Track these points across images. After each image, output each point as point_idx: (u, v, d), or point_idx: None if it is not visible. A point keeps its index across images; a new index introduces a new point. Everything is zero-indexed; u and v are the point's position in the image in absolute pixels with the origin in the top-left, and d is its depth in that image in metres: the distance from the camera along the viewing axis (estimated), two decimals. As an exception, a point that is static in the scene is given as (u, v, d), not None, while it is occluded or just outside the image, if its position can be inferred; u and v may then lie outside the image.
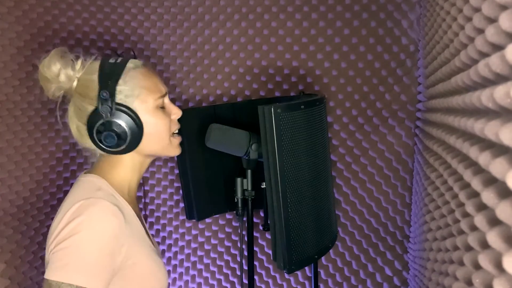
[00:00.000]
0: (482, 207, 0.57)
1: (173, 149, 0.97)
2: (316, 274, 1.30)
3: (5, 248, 1.14)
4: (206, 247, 1.56)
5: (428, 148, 1.10)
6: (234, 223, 1.53)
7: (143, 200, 1.57)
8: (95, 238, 0.77)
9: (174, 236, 1.57)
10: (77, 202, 0.80)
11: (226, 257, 1.55)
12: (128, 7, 1.48)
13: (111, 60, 0.90)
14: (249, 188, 1.21)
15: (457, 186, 0.73)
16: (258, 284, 1.53)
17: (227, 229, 1.54)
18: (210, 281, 1.57)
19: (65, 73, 0.88)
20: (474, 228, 0.60)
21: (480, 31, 0.59)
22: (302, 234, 0.99)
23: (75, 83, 0.89)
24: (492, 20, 0.54)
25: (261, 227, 1.46)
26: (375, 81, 1.36)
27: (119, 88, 0.86)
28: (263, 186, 1.15)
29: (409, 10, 1.31)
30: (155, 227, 1.57)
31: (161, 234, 1.57)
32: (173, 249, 1.58)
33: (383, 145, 1.37)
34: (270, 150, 0.92)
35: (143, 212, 1.55)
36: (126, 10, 1.48)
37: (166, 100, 0.96)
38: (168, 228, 1.57)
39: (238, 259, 1.53)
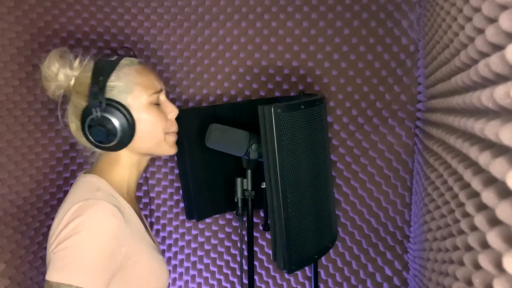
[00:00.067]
0: (482, 207, 0.57)
1: (168, 148, 0.96)
2: (316, 274, 1.30)
3: (5, 248, 1.14)
4: (206, 247, 1.56)
5: (428, 148, 1.10)
6: (234, 223, 1.53)
7: (143, 200, 1.57)
8: (95, 238, 0.77)
9: (174, 236, 1.57)
10: (77, 202, 0.80)
11: (226, 257, 1.55)
12: (128, 7, 1.48)
13: (107, 58, 0.91)
14: (249, 188, 1.21)
15: (457, 186, 0.73)
16: (258, 284, 1.53)
17: (227, 229, 1.54)
18: (210, 281, 1.57)
19: (63, 73, 0.89)
20: (474, 228, 0.60)
21: (480, 31, 0.59)
22: (302, 234, 0.99)
23: (72, 82, 0.90)
24: (492, 20, 0.54)
25: (261, 227, 1.46)
26: (375, 81, 1.36)
27: (112, 84, 0.87)
28: (263, 186, 1.15)
29: (409, 10, 1.31)
30: (155, 227, 1.57)
31: (161, 234, 1.57)
32: (173, 249, 1.58)
33: (383, 145, 1.37)
34: (270, 150, 0.92)
35: (143, 212, 1.55)
36: (126, 10, 1.48)
37: (162, 97, 0.96)
38: (168, 228, 1.57)
39: (238, 259, 1.53)
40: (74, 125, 0.92)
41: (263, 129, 0.93)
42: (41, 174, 1.37)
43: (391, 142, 1.37)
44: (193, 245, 1.57)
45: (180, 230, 1.56)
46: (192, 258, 1.57)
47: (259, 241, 1.51)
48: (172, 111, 0.96)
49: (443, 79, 0.92)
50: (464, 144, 0.67)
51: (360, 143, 1.39)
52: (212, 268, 1.56)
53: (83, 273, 0.75)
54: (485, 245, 0.53)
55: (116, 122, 0.86)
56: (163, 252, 1.58)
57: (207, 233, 1.55)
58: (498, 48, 0.52)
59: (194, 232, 1.56)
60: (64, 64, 0.89)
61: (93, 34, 1.49)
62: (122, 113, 0.87)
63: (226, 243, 1.54)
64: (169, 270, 1.59)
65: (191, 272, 1.58)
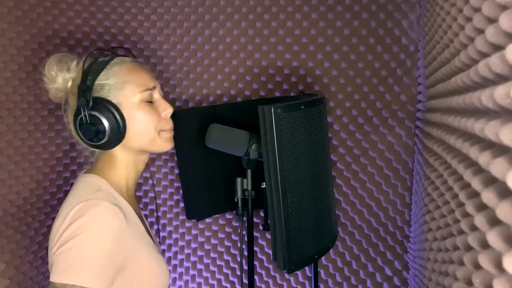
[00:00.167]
0: (482, 207, 0.57)
1: (163, 144, 0.96)
2: (316, 274, 1.30)
3: (5, 248, 1.14)
4: (206, 247, 1.56)
5: (428, 148, 1.10)
6: (234, 223, 1.53)
7: (143, 200, 1.57)
8: (97, 239, 0.77)
9: (174, 236, 1.57)
10: (78, 203, 0.80)
11: (226, 257, 1.55)
12: (128, 7, 1.48)
13: (100, 59, 0.93)
14: (249, 188, 1.21)
15: (457, 186, 0.73)
16: (258, 284, 1.53)
17: (227, 229, 1.54)
18: (210, 281, 1.57)
19: (62, 76, 0.92)
20: (474, 228, 0.60)
21: (480, 31, 0.59)
22: (302, 234, 0.99)
23: (69, 84, 0.92)
24: (492, 20, 0.54)
25: (261, 227, 1.46)
26: (375, 81, 1.36)
27: (101, 82, 0.89)
28: (263, 186, 1.15)
29: (409, 10, 1.31)
30: (155, 227, 1.57)
31: (161, 234, 1.57)
32: (173, 249, 1.58)
33: (383, 145, 1.37)
34: (270, 150, 0.92)
35: (143, 212, 1.55)
36: (126, 10, 1.48)
37: (156, 95, 0.96)
38: (168, 228, 1.57)
39: (238, 259, 1.53)
40: (72, 125, 0.93)
41: (263, 129, 0.93)
42: (41, 174, 1.37)
43: (391, 142, 1.37)
44: (193, 245, 1.57)
45: (180, 230, 1.56)
46: (192, 258, 1.57)
47: (259, 241, 1.51)
48: (166, 109, 0.96)
49: (443, 79, 0.92)
50: (464, 144, 0.67)
51: (360, 143, 1.39)
52: (212, 268, 1.56)
53: (87, 273, 0.75)
54: (485, 245, 0.53)
55: (104, 120, 0.87)
56: (163, 252, 1.58)
57: (207, 233, 1.55)
58: (498, 48, 0.52)
59: (194, 232, 1.56)
60: (62, 68, 0.92)
61: (93, 34, 1.49)
62: (110, 111, 0.88)
63: (226, 243, 1.54)
64: (169, 270, 1.59)
65: (191, 272, 1.58)
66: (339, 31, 1.37)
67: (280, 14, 1.40)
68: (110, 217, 0.80)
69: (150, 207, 1.58)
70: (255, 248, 1.50)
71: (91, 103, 0.87)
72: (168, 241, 1.58)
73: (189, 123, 1.30)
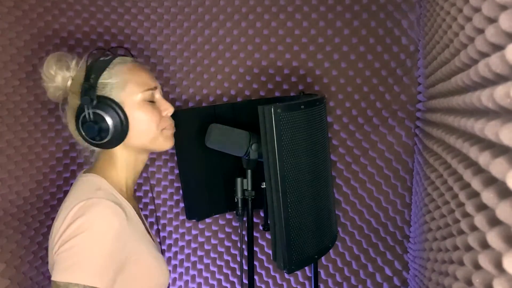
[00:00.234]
0: (482, 207, 0.57)
1: (164, 142, 0.97)
2: (316, 274, 1.30)
3: (5, 248, 1.14)
4: (206, 247, 1.56)
5: (428, 148, 1.10)
6: (234, 223, 1.53)
7: (143, 200, 1.57)
8: (98, 237, 0.77)
9: (174, 236, 1.57)
10: (79, 202, 0.80)
11: (226, 257, 1.55)
12: (128, 7, 1.48)
13: (101, 58, 0.93)
14: (249, 188, 1.21)
15: (457, 186, 0.73)
16: (258, 284, 1.53)
17: (227, 229, 1.54)
18: (210, 281, 1.57)
19: (61, 75, 0.92)
20: (474, 228, 0.60)
21: (480, 31, 0.59)
22: (302, 234, 0.99)
23: (69, 83, 0.92)
24: (492, 20, 0.54)
25: (261, 227, 1.46)
26: (375, 81, 1.36)
27: (104, 81, 0.89)
28: (263, 186, 1.15)
29: (409, 10, 1.31)
30: (155, 227, 1.57)
31: (161, 234, 1.57)
32: (173, 249, 1.58)
33: (383, 145, 1.37)
34: (270, 150, 0.92)
35: (143, 212, 1.55)
36: (126, 10, 1.48)
37: (157, 95, 0.97)
38: (168, 228, 1.57)
39: (238, 259, 1.53)
40: (72, 125, 0.94)
41: (263, 129, 0.93)
42: (41, 174, 1.37)
43: (391, 142, 1.37)
44: (193, 245, 1.57)
45: (180, 230, 1.56)
46: (192, 258, 1.57)
47: (259, 241, 1.51)
48: (167, 109, 0.97)
49: (443, 79, 0.92)
50: (464, 144, 0.67)
51: (360, 143, 1.39)
52: (212, 268, 1.56)
53: (90, 271, 0.75)
54: (485, 245, 0.53)
55: (108, 118, 0.87)
56: (163, 252, 1.58)
57: (207, 233, 1.55)
58: (498, 48, 0.52)
59: (194, 232, 1.56)
60: (61, 67, 0.91)
61: (93, 34, 1.49)
62: (114, 109, 0.88)
63: (226, 243, 1.54)
64: (169, 270, 1.59)
65: (191, 272, 1.58)
66: (339, 31, 1.37)
67: (280, 14, 1.40)
68: (111, 215, 0.80)
69: (150, 207, 1.58)
70: (255, 248, 1.50)
71: (95, 101, 0.87)
72: (168, 241, 1.58)
73: (189, 123, 1.30)
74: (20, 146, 1.27)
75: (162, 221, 1.57)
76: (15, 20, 1.28)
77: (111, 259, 0.78)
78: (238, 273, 1.54)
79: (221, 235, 1.54)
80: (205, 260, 1.56)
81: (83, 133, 0.89)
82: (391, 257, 1.40)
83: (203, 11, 1.45)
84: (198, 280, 1.58)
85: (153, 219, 1.57)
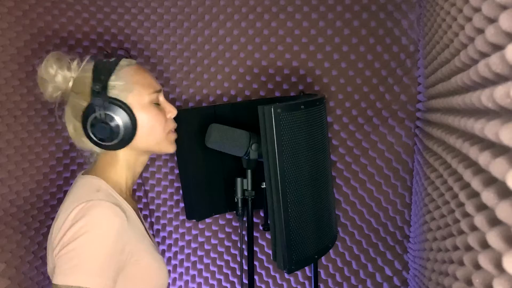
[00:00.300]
0: (482, 207, 0.57)
1: (168, 145, 0.98)
2: (316, 274, 1.30)
3: (5, 248, 1.14)
4: (206, 247, 1.56)
5: (428, 148, 1.10)
6: (234, 223, 1.53)
7: (143, 200, 1.57)
8: (100, 239, 0.77)
9: (174, 236, 1.57)
10: (79, 204, 0.80)
11: (226, 257, 1.55)
12: (128, 7, 1.48)
13: (105, 59, 0.92)
14: (249, 188, 1.21)
15: (457, 186, 0.73)
16: (258, 284, 1.53)
17: (227, 229, 1.54)
18: (210, 281, 1.57)
19: (61, 74, 0.90)
20: (474, 228, 0.60)
21: (480, 31, 0.59)
22: (302, 234, 0.99)
23: (71, 83, 0.91)
24: (492, 20, 0.54)
25: (261, 227, 1.46)
26: (375, 81, 1.36)
27: (112, 83, 0.88)
28: (263, 186, 1.15)
29: (409, 10, 1.31)
30: (155, 227, 1.58)
31: (161, 234, 1.57)
32: (173, 249, 1.58)
33: (383, 145, 1.37)
34: (270, 150, 0.92)
35: (143, 212, 1.55)
36: (126, 10, 1.48)
37: (161, 98, 0.97)
38: (168, 228, 1.57)
39: (238, 259, 1.53)
40: (72, 126, 0.93)
41: (263, 129, 0.93)
42: (41, 174, 1.37)
43: (391, 142, 1.37)
44: (193, 245, 1.57)
45: (180, 230, 1.56)
46: (192, 258, 1.57)
47: (259, 241, 1.51)
48: (171, 112, 0.98)
49: (443, 79, 0.92)
50: (464, 144, 0.67)
51: (360, 143, 1.39)
52: (212, 268, 1.56)
53: (91, 274, 0.75)
54: (485, 245, 0.53)
55: (118, 119, 0.87)
56: (163, 252, 1.58)
57: (207, 233, 1.55)
58: (498, 48, 0.52)
59: (194, 232, 1.56)
60: (62, 66, 0.90)
61: (93, 34, 1.49)
62: (124, 110, 0.87)
63: (226, 243, 1.54)
64: (169, 270, 1.59)
65: (191, 272, 1.58)
66: (339, 31, 1.37)
67: (280, 14, 1.40)
68: (111, 217, 0.80)
69: (150, 207, 1.58)
70: (255, 248, 1.51)
71: (107, 103, 0.86)
72: (168, 241, 1.58)
73: (189, 123, 1.30)
74: (20, 146, 1.26)
75: (162, 221, 1.57)
76: (15, 20, 1.28)
77: (112, 260, 0.78)
78: (238, 273, 1.54)
79: (221, 235, 1.54)
80: (205, 260, 1.56)
81: (92, 134, 0.88)
82: (391, 257, 1.40)
83: (203, 11, 1.45)
84: (198, 280, 1.58)
85: (153, 219, 1.57)
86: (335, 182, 1.42)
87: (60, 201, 1.16)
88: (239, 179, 1.22)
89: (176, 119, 1.02)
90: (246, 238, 1.32)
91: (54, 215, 0.87)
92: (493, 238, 0.48)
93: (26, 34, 1.32)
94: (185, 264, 1.58)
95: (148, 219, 1.56)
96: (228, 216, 1.53)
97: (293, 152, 0.95)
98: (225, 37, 1.45)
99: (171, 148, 0.99)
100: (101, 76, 0.87)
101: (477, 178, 0.58)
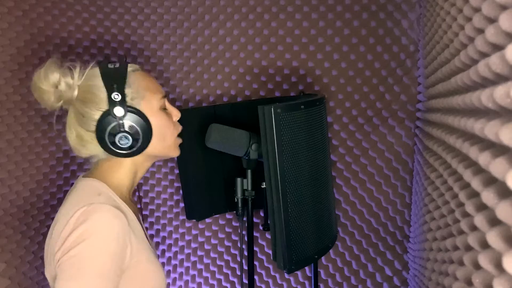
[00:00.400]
0: (482, 207, 0.57)
1: (175, 150, 0.99)
2: (316, 274, 1.30)
3: (5, 248, 1.15)
4: (206, 247, 1.56)
5: (428, 148, 1.10)
6: (234, 223, 1.53)
7: (143, 200, 1.57)
8: (101, 244, 0.77)
9: (174, 236, 1.57)
10: (80, 208, 0.79)
11: (226, 257, 1.55)
12: (128, 7, 1.48)
13: (110, 65, 0.89)
14: (249, 188, 1.21)
15: (457, 186, 0.73)
16: (258, 284, 1.53)
17: (227, 229, 1.54)
18: (210, 281, 1.57)
19: (65, 82, 0.87)
20: (474, 228, 0.60)
21: (480, 31, 0.59)
22: (302, 234, 0.99)
23: (76, 92, 0.88)
24: (492, 20, 0.54)
25: (261, 227, 1.46)
26: (375, 81, 1.36)
27: (124, 91, 0.87)
28: (263, 186, 1.15)
29: (409, 10, 1.31)
30: (155, 227, 1.58)
31: (161, 234, 1.57)
32: (173, 249, 1.58)
33: (383, 145, 1.37)
34: (270, 150, 0.92)
35: (143, 212, 1.55)
36: (126, 10, 1.48)
37: (167, 102, 0.97)
38: (168, 228, 1.57)
39: (238, 259, 1.53)
40: (75, 133, 0.90)
41: (263, 129, 0.93)
42: (41, 174, 1.37)
43: (391, 142, 1.37)
44: (193, 245, 1.57)
45: (180, 230, 1.56)
46: (192, 258, 1.57)
47: (259, 241, 1.51)
48: (176, 115, 0.98)
49: (443, 79, 0.92)
50: (464, 144, 0.67)
51: (360, 143, 1.39)
52: (212, 268, 1.56)
53: (95, 278, 0.75)
54: (485, 245, 0.53)
55: (138, 127, 0.87)
56: (163, 252, 1.58)
57: (207, 233, 1.55)
58: (498, 48, 0.52)
59: (194, 232, 1.56)
60: (64, 74, 0.87)
61: (93, 34, 1.49)
62: (143, 118, 0.87)
63: (226, 243, 1.54)
64: (169, 270, 1.59)
65: (191, 272, 1.58)
66: (339, 31, 1.37)
67: (280, 14, 1.40)
68: (113, 220, 0.80)
69: (150, 207, 1.58)
70: (255, 248, 1.51)
71: (127, 112, 0.85)
72: (168, 241, 1.58)
73: (189, 123, 1.30)
74: (20, 146, 1.27)
75: (162, 221, 1.57)
76: (15, 20, 1.28)
77: (115, 264, 0.78)
78: (238, 273, 1.54)
79: (221, 235, 1.54)
80: (205, 260, 1.56)
81: (111, 143, 0.86)
82: (391, 257, 1.40)
83: (203, 11, 1.45)
84: (198, 280, 1.58)
85: (153, 219, 1.57)
86: (335, 182, 1.42)
87: (60, 201, 1.16)
88: (239, 179, 1.22)
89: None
90: (246, 238, 1.32)
91: (54, 215, 0.86)
92: (493, 238, 0.48)
93: (26, 34, 1.32)
94: (185, 264, 1.58)
95: (149, 219, 1.56)
96: (228, 216, 1.53)
97: (293, 152, 0.95)
98: (225, 37, 1.45)
99: (177, 153, 0.99)
100: (115, 84, 0.85)
101: (477, 178, 0.58)
